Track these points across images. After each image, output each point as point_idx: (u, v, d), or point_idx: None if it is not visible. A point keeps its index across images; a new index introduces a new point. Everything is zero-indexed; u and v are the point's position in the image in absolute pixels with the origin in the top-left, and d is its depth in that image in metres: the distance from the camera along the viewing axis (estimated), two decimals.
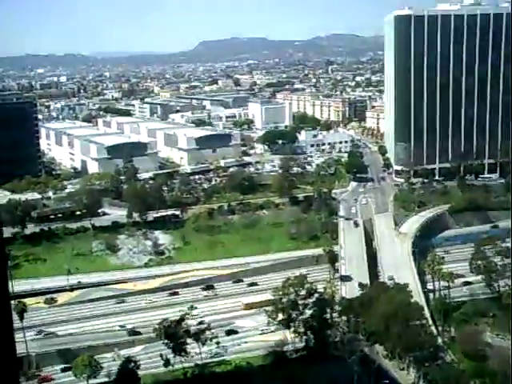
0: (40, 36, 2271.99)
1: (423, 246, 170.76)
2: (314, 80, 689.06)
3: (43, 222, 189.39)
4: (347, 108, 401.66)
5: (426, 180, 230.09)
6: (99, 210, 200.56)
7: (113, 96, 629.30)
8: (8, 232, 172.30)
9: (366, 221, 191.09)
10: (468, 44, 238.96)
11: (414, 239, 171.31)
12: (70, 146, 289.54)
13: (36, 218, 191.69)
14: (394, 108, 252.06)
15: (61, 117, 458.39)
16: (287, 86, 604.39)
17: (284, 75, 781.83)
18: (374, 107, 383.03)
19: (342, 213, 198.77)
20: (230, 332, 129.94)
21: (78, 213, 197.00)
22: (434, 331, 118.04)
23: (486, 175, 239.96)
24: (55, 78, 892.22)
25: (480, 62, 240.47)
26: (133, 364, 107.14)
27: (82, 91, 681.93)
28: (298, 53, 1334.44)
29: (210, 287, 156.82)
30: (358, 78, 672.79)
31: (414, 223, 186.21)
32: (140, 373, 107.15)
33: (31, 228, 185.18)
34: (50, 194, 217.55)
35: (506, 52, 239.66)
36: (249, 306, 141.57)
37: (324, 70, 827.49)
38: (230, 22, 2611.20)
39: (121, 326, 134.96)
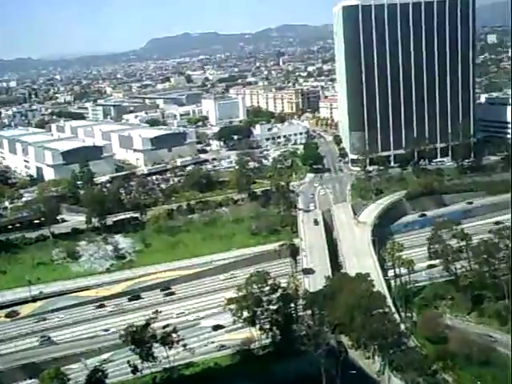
0: None
1: (382, 233, 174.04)
2: (265, 72, 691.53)
3: (0, 233, 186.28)
4: (300, 99, 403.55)
5: (381, 167, 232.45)
6: (58, 217, 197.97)
7: (65, 99, 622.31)
8: None
9: (325, 212, 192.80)
10: (415, 32, 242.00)
11: (373, 227, 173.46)
12: (24, 153, 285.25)
13: None
14: (346, 97, 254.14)
15: (13, 124, 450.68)
16: (240, 80, 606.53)
17: (236, 69, 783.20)
18: (326, 97, 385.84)
19: (300, 205, 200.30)
20: (196, 332, 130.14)
21: (36, 221, 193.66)
22: (397, 318, 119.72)
23: (439, 159, 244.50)
24: (4, 84, 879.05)
25: (427, 47, 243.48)
26: (100, 373, 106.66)
27: (33, 96, 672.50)
28: (249, 46, 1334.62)
29: (168, 289, 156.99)
30: (310, 68, 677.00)
31: (372, 211, 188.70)
32: (108, 381, 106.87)
33: None
34: (6, 203, 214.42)
35: (451, 38, 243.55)
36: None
37: (275, 61, 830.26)
38: (179, 18, 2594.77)
39: (88, 334, 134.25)
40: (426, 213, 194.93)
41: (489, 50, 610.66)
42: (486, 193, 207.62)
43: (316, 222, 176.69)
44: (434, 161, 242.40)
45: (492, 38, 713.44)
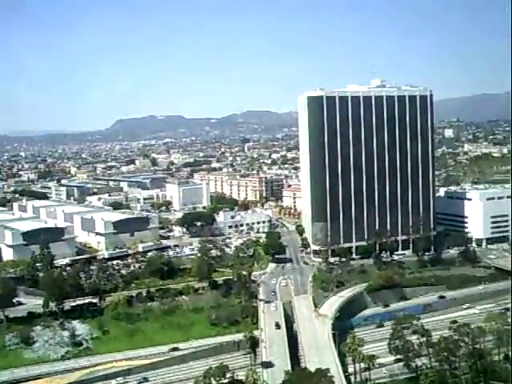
0: None
1: (343, 327, 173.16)
2: (230, 158, 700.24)
3: None
4: (264, 187, 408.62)
5: (343, 259, 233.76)
6: (14, 300, 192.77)
7: (29, 177, 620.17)
8: None
9: (285, 303, 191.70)
10: (377, 123, 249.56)
11: (333, 320, 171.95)
12: None
13: None
14: (309, 187, 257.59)
15: None
16: (204, 166, 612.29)
17: (201, 154, 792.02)
18: (290, 186, 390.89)
19: (261, 296, 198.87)
20: None
21: None
22: None
23: (400, 252, 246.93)
24: None
25: (389, 140, 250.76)
26: None
27: None
28: (215, 130, 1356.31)
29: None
30: (274, 156, 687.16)
31: (333, 304, 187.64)
32: None
33: None
34: None
35: (411, 131, 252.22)
36: None
37: (240, 147, 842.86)
38: (146, 101, 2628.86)
39: None
40: (388, 305, 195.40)
41: (446, 143, 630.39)
42: (445, 287, 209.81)
43: (278, 326, 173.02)
44: (396, 253, 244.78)
45: (449, 133, 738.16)
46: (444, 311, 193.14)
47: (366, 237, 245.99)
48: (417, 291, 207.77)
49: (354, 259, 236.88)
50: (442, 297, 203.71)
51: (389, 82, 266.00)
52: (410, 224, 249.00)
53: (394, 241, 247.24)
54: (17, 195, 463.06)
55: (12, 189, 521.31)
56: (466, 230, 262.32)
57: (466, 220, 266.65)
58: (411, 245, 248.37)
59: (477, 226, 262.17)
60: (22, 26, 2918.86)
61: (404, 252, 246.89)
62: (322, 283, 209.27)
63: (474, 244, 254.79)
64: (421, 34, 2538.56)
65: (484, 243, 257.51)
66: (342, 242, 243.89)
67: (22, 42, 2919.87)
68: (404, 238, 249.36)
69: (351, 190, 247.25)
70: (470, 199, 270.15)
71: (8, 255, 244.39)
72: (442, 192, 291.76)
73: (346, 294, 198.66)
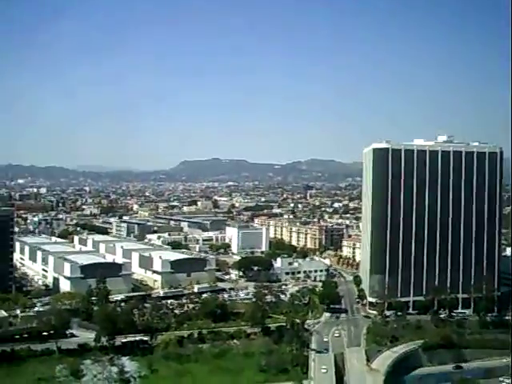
0: (24, 147, 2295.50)
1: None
2: (292, 205, 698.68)
3: (7, 343, 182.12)
4: (324, 236, 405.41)
5: (399, 313, 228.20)
6: (67, 332, 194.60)
7: (91, 212, 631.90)
8: None
9: (337, 354, 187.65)
10: (442, 178, 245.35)
11: (385, 376, 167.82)
12: (43, 262, 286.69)
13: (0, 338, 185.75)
14: (370, 238, 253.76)
15: (37, 231, 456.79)
16: (265, 211, 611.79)
17: (263, 198, 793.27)
18: (350, 236, 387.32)
19: (313, 345, 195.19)
20: None
21: (45, 333, 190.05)
22: None
23: (460, 310, 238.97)
24: (35, 190, 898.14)
25: (454, 196, 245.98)
26: None
27: (60, 205, 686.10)
28: (278, 176, 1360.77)
29: None
30: (336, 205, 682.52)
31: (386, 359, 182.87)
32: None
33: None
34: (18, 311, 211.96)
35: (478, 188, 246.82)
36: None
37: (302, 194, 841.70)
38: (211, 144, 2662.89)
39: None
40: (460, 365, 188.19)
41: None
42: (509, 352, 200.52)
43: (326, 370, 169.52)
44: (455, 311, 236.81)
45: None
46: (507, 377, 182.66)
47: (424, 292, 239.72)
48: (477, 353, 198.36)
49: (410, 314, 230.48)
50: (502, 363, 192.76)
51: (456, 138, 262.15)
52: (472, 282, 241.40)
53: (454, 298, 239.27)
54: (78, 228, 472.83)
55: (74, 222, 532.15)
56: None
57: None
58: (472, 304, 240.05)
59: None
60: (89, 58, 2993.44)
61: (464, 311, 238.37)
62: (377, 337, 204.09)
63: None
64: (492, 90, 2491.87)
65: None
66: (399, 295, 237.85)
67: (89, 76, 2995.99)
68: (465, 296, 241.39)
69: (412, 245, 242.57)
70: None
71: (65, 287, 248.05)
72: (508, 251, 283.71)
73: (401, 349, 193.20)
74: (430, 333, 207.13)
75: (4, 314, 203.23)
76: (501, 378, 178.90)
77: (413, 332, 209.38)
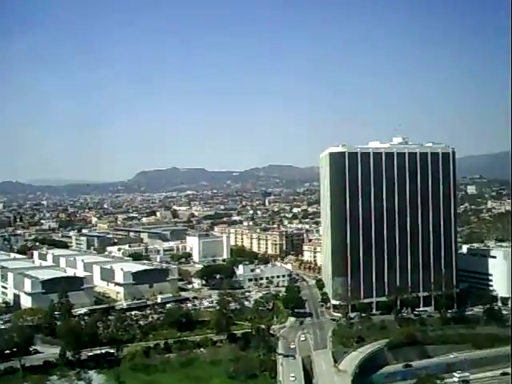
0: None
1: (363, 383, 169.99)
2: (251, 212, 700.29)
3: None
4: (284, 241, 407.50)
5: (363, 314, 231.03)
6: (31, 348, 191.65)
7: (50, 226, 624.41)
8: None
9: (304, 358, 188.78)
10: (399, 180, 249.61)
11: (353, 376, 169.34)
12: (3, 278, 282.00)
13: None
14: (330, 242, 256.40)
15: None
16: (225, 219, 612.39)
17: (222, 207, 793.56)
18: (310, 240, 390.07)
19: (280, 350, 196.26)
20: None
21: (7, 351, 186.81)
22: None
23: (422, 308, 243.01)
24: None
25: (411, 197, 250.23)
26: None
27: (18, 220, 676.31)
28: (236, 184, 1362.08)
29: None
30: (295, 210, 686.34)
31: (353, 360, 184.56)
32: None
33: None
34: None
35: (433, 187, 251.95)
36: None
37: (261, 201, 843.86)
38: (168, 153, 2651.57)
39: None
40: (410, 363, 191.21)
41: (469, 200, 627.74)
42: (470, 345, 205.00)
43: (294, 377, 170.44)
44: (417, 310, 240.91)
45: (472, 189, 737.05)
46: (469, 371, 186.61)
47: (386, 292, 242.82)
48: (439, 349, 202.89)
49: (374, 315, 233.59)
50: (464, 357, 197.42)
51: (411, 139, 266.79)
52: (432, 280, 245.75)
53: (416, 297, 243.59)
54: (37, 243, 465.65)
55: (33, 237, 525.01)
56: (491, 288, 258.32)
57: (490, 278, 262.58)
58: (433, 302, 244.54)
59: (502, 284, 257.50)
60: (46, 68, 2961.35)
61: (426, 309, 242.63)
62: (342, 338, 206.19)
63: (499, 303, 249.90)
64: (443, 90, 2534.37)
65: (510, 302, 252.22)
66: (362, 297, 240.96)
67: (45, 85, 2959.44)
68: (426, 294, 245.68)
69: (372, 246, 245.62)
70: (494, 257, 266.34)
71: (27, 303, 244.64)
72: (464, 249, 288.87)
73: (367, 349, 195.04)
74: (394, 332, 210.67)
75: None
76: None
77: (377, 332, 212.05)
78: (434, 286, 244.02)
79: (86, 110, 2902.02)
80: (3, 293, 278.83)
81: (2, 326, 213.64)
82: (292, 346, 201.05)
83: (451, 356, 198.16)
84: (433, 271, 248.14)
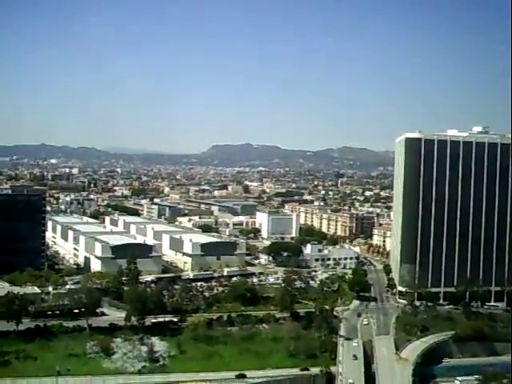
0: (56, 127, 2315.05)
1: (424, 374, 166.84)
2: (323, 192, 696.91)
3: (40, 318, 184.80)
4: (354, 224, 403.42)
5: (430, 303, 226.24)
6: (98, 310, 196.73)
7: (122, 193, 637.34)
8: (2, 326, 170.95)
9: (366, 342, 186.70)
10: (476, 169, 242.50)
11: (414, 366, 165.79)
12: (75, 241, 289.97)
13: (33, 313, 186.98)
14: (400, 227, 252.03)
15: (69, 210, 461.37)
16: (296, 197, 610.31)
17: (294, 185, 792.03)
18: (381, 225, 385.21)
19: (342, 332, 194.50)
20: None
21: (76, 311, 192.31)
22: None
23: (493, 303, 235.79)
24: (67, 170, 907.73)
25: (488, 187, 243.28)
26: None
27: (92, 185, 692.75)
28: (309, 163, 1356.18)
29: None
30: (367, 193, 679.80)
31: (415, 349, 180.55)
32: None
33: (26, 323, 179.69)
34: (50, 289, 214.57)
35: None
36: None
37: (334, 182, 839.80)
38: (243, 129, 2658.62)
39: None
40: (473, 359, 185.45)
41: None
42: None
43: (355, 357, 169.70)
44: (487, 304, 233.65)
45: None
46: None
47: (455, 283, 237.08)
48: (509, 348, 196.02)
49: (441, 305, 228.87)
50: None
51: (493, 129, 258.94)
52: (506, 275, 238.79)
53: (487, 291, 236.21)
54: (109, 209, 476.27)
55: (106, 202, 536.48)
56: None
57: None
58: (506, 297, 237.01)
59: None
60: (122, 45, 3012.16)
61: (497, 304, 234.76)
62: (406, 326, 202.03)
63: None
64: None
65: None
66: (429, 286, 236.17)
67: (123, 60, 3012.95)
68: (498, 289, 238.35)
69: (443, 235, 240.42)
70: None
71: (96, 266, 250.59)
72: None
73: (431, 340, 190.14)
74: (461, 325, 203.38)
75: (37, 290, 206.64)
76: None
77: (443, 323, 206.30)
78: (507, 281, 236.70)
79: (163, 83, 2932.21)
80: (75, 255, 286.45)
81: (73, 287, 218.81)
82: (354, 329, 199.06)
83: None
84: (507, 266, 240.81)
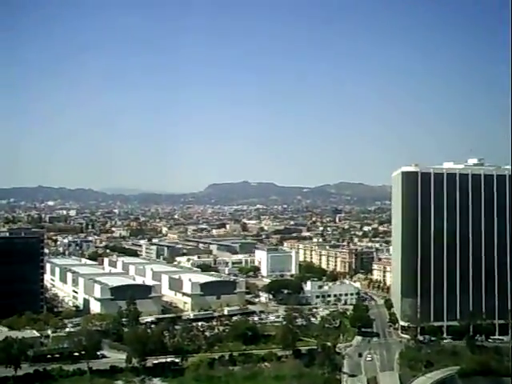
0: (53, 168, 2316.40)
1: None
2: (321, 228, 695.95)
3: (39, 362, 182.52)
4: (354, 259, 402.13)
5: (433, 338, 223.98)
6: (98, 353, 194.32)
7: (120, 234, 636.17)
8: (0, 372, 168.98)
9: (370, 378, 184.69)
10: (474, 201, 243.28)
11: None
12: (74, 283, 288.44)
13: (32, 358, 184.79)
14: (400, 262, 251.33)
15: (67, 252, 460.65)
16: (294, 234, 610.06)
17: (292, 222, 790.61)
18: (380, 259, 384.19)
19: (345, 369, 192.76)
20: None
21: (76, 354, 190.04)
22: None
23: (497, 336, 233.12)
24: (65, 212, 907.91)
25: (486, 219, 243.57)
26: None
27: (90, 227, 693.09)
28: (307, 199, 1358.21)
29: None
30: (366, 228, 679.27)
31: None
32: None
33: (25, 368, 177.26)
34: (49, 332, 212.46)
35: (510, 210, 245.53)
36: None
37: (331, 217, 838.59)
38: (240, 167, 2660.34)
39: None
40: None
41: None
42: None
43: None
44: (492, 338, 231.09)
45: None
46: None
47: (458, 317, 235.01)
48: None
49: (444, 339, 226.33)
50: None
51: (487, 161, 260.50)
52: (510, 308, 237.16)
53: (491, 324, 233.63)
54: (108, 250, 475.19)
55: (104, 244, 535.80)
56: None
57: None
58: (510, 330, 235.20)
59: None
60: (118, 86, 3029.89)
61: (502, 338, 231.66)
62: (410, 361, 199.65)
63: None
64: None
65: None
66: (432, 320, 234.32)
67: (120, 95, 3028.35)
68: (502, 322, 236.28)
69: (444, 268, 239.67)
70: None
71: (96, 308, 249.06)
72: None
73: (436, 375, 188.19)
74: (466, 359, 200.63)
75: (36, 334, 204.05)
76: None
77: (448, 357, 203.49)
78: (511, 314, 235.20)
79: (157, 122, 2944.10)
80: (74, 297, 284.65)
81: (72, 329, 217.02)
82: (358, 366, 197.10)
83: None
84: (510, 298, 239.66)
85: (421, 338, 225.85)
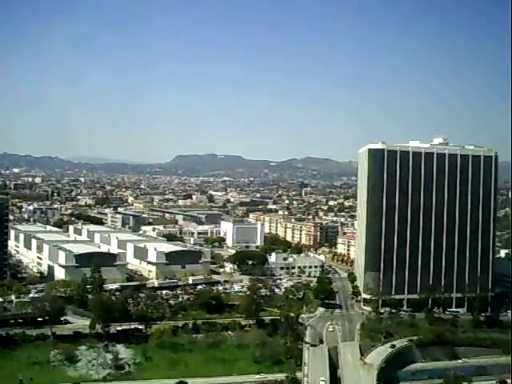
0: (19, 136, 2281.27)
1: (389, 378, 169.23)
2: (287, 201, 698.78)
3: (2, 327, 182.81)
4: (319, 233, 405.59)
5: (393, 310, 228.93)
6: (62, 318, 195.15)
7: (86, 202, 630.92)
8: None
9: (331, 348, 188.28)
10: (437, 180, 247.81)
11: (379, 371, 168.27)
12: (38, 250, 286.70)
13: None
14: (364, 236, 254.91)
15: (32, 219, 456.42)
16: (260, 206, 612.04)
17: (258, 195, 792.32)
18: (345, 233, 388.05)
19: (307, 339, 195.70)
20: None
21: (39, 319, 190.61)
22: None
23: (454, 309, 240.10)
24: (30, 179, 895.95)
25: (449, 197, 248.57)
26: None
27: (55, 194, 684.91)
28: (273, 173, 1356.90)
29: None
30: (331, 203, 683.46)
31: (379, 354, 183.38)
32: None
33: None
34: (13, 297, 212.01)
35: (473, 190, 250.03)
36: None
37: (298, 191, 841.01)
38: (207, 139, 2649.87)
39: None
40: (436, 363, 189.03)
41: (510, 205, 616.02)
42: (501, 351, 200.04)
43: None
44: (449, 310, 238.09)
45: None
46: (498, 376, 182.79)
47: (418, 290, 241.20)
48: (469, 351, 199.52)
49: (404, 311, 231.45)
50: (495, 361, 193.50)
51: (452, 141, 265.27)
52: (467, 282, 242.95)
53: (448, 297, 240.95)
54: (73, 218, 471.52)
55: (69, 212, 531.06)
56: None
57: None
58: (466, 303, 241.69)
59: None
60: (89, 55, 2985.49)
61: (458, 310, 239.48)
62: (371, 332, 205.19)
63: None
64: (493, 96, 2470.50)
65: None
66: (393, 293, 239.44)
67: (91, 70, 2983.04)
68: (459, 295, 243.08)
69: (406, 243, 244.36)
70: None
71: (60, 275, 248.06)
72: (502, 253, 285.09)
73: (394, 345, 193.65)
74: (424, 330, 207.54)
75: None
76: None
77: (407, 328, 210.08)
78: (468, 288, 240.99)
79: (127, 92, 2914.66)
80: (38, 263, 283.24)
81: (36, 295, 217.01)
82: (319, 336, 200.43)
83: (481, 359, 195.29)
84: (468, 273, 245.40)
85: (382, 310, 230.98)
